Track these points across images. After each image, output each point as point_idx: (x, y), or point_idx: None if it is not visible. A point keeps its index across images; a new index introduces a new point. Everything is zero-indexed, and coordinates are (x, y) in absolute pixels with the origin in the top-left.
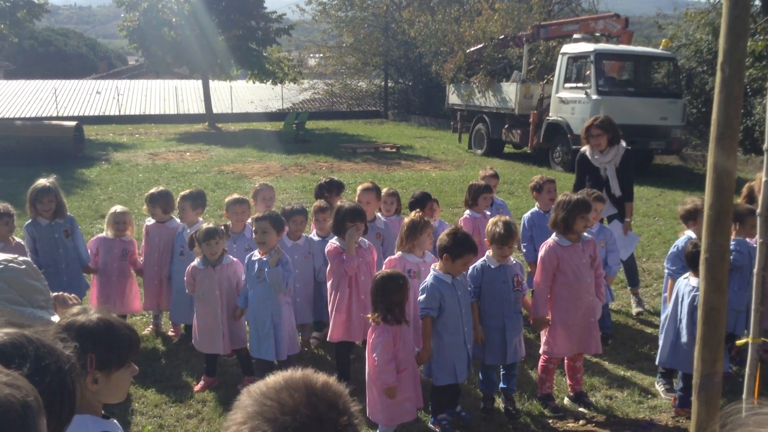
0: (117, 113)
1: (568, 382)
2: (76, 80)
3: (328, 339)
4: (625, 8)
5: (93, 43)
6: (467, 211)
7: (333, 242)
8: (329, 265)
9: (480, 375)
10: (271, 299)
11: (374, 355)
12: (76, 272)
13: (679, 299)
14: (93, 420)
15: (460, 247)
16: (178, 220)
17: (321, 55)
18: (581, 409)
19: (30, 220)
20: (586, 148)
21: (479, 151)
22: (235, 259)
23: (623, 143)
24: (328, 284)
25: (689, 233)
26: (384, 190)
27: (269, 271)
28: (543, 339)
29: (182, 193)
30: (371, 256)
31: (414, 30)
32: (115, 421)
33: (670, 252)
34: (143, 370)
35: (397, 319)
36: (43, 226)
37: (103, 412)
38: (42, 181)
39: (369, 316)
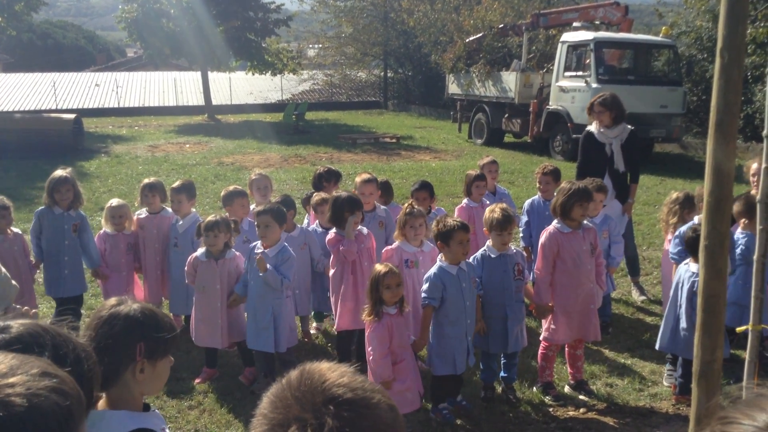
0: (116, 105)
1: (569, 370)
2: (75, 73)
3: (336, 329)
4: None
5: (91, 35)
6: (465, 200)
7: (332, 232)
8: (331, 256)
9: (480, 364)
10: (273, 292)
11: (370, 349)
12: (78, 268)
13: (680, 285)
14: (129, 416)
15: (446, 228)
16: (170, 210)
17: (320, 45)
18: (582, 397)
19: (43, 207)
20: (592, 126)
21: (479, 141)
22: (237, 253)
23: (628, 125)
24: (331, 274)
25: (697, 218)
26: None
27: (264, 275)
28: (545, 326)
29: (174, 185)
30: (371, 243)
31: (413, 19)
32: (156, 410)
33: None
34: None
35: (377, 313)
36: (55, 215)
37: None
38: (59, 172)
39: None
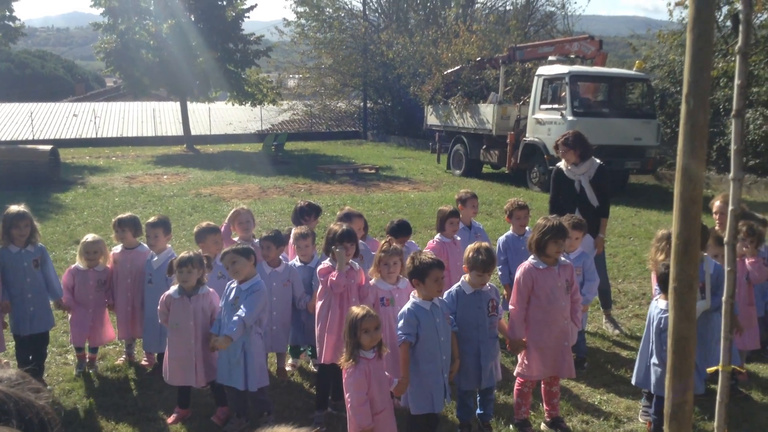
0: (94, 136)
1: (545, 407)
2: (53, 103)
3: (322, 360)
4: (599, 29)
5: (71, 65)
6: (437, 236)
7: (325, 262)
8: (320, 287)
9: (456, 401)
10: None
11: (347, 395)
12: (44, 304)
13: (651, 321)
14: None
15: (422, 265)
16: (146, 246)
17: (300, 76)
18: None
19: (0, 247)
20: (561, 163)
21: (458, 172)
22: (211, 289)
23: (597, 160)
24: (318, 306)
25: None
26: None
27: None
28: (519, 362)
29: (150, 220)
30: (360, 279)
31: (392, 52)
32: None
33: None
34: (116, 401)
35: (354, 357)
36: (12, 254)
37: None
38: (15, 207)
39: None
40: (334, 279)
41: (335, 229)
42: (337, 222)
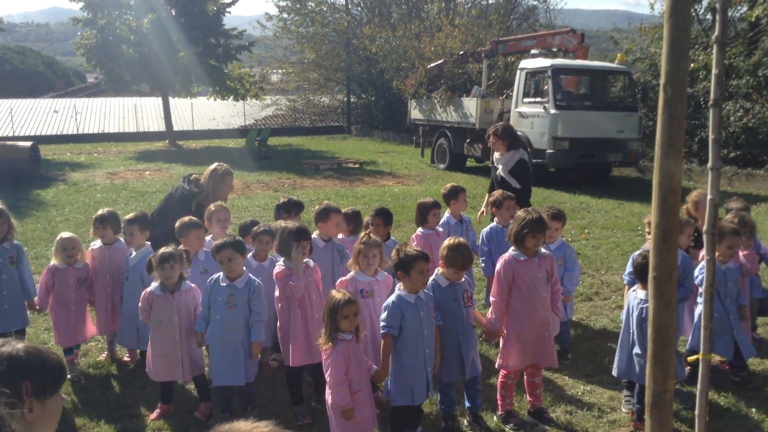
0: (75, 132)
1: (528, 398)
2: (33, 99)
3: (291, 364)
4: (581, 23)
5: (51, 60)
6: (420, 229)
7: (281, 264)
8: (277, 290)
9: (439, 394)
10: (241, 325)
11: (327, 376)
12: (18, 302)
13: (630, 311)
14: None
15: (407, 258)
16: (124, 242)
17: (283, 70)
18: (542, 426)
19: None
20: None
21: (442, 166)
22: (193, 285)
23: (523, 153)
24: (278, 308)
25: (647, 244)
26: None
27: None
28: (500, 354)
29: (127, 216)
30: (317, 275)
31: (375, 46)
32: None
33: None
34: (98, 398)
35: (332, 339)
36: None
37: None
38: None
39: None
40: (293, 284)
41: (288, 228)
42: (288, 219)
